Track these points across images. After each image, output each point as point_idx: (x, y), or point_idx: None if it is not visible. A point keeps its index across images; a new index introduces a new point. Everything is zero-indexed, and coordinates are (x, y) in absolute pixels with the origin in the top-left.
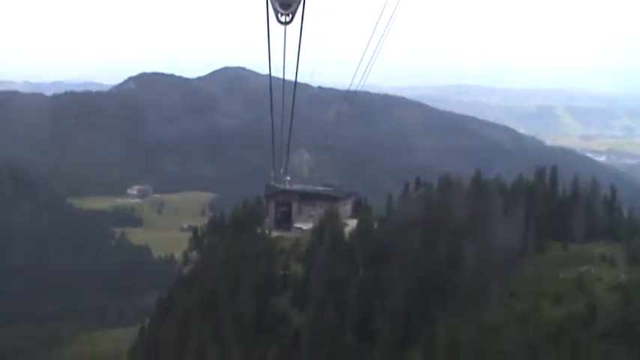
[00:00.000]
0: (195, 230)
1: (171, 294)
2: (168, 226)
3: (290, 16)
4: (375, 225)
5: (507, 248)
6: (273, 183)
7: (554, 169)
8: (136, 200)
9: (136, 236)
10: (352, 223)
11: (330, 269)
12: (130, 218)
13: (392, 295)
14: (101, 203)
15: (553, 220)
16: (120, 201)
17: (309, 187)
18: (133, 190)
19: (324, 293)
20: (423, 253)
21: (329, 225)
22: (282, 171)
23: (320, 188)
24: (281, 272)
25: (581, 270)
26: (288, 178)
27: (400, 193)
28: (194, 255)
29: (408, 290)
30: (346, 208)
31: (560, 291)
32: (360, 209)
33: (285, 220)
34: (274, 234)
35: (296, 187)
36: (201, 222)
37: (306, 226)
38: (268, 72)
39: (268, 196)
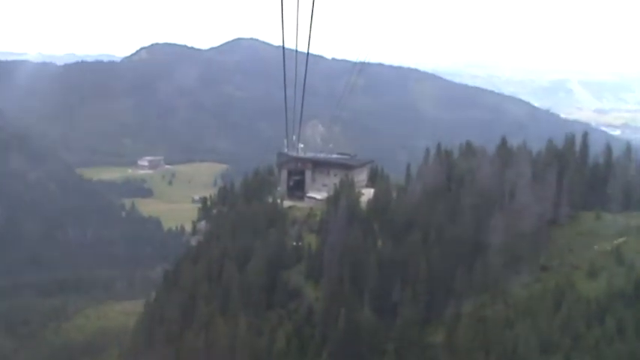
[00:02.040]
0: (204, 200)
1: (178, 266)
2: (179, 197)
3: None
4: (394, 194)
5: (537, 218)
6: (285, 150)
7: (586, 135)
8: (147, 171)
9: (147, 208)
10: (368, 193)
11: (347, 241)
12: (140, 189)
13: (413, 268)
14: (112, 174)
15: (585, 189)
16: (130, 172)
17: (322, 155)
18: (144, 161)
19: (339, 266)
20: (446, 224)
21: (345, 194)
22: (294, 138)
23: (334, 156)
24: (293, 243)
25: (617, 242)
26: (302, 145)
27: (419, 162)
28: (202, 225)
29: (430, 263)
30: (362, 177)
31: (596, 264)
32: (376, 178)
33: (297, 189)
34: (286, 203)
35: (309, 154)
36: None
37: (320, 195)
38: (281, 42)
39: (280, 164)
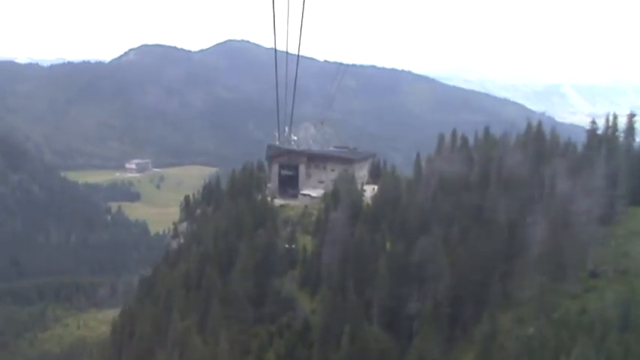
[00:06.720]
0: (186, 199)
1: (156, 272)
2: (167, 201)
3: None
4: (404, 188)
5: (584, 215)
6: (277, 143)
7: (632, 117)
8: (135, 174)
9: (134, 212)
10: (370, 189)
11: (349, 242)
12: (127, 193)
13: (433, 275)
14: (98, 177)
15: (634, 181)
16: (118, 175)
17: (318, 149)
18: (132, 164)
19: (341, 272)
20: (471, 221)
21: (345, 190)
22: (287, 130)
23: (332, 149)
24: (285, 246)
25: None
26: (295, 137)
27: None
28: (184, 227)
29: (454, 270)
30: (363, 172)
31: None
32: (379, 174)
33: (290, 186)
34: (278, 202)
35: (303, 147)
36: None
37: (316, 192)
38: (272, 44)
39: (271, 158)
